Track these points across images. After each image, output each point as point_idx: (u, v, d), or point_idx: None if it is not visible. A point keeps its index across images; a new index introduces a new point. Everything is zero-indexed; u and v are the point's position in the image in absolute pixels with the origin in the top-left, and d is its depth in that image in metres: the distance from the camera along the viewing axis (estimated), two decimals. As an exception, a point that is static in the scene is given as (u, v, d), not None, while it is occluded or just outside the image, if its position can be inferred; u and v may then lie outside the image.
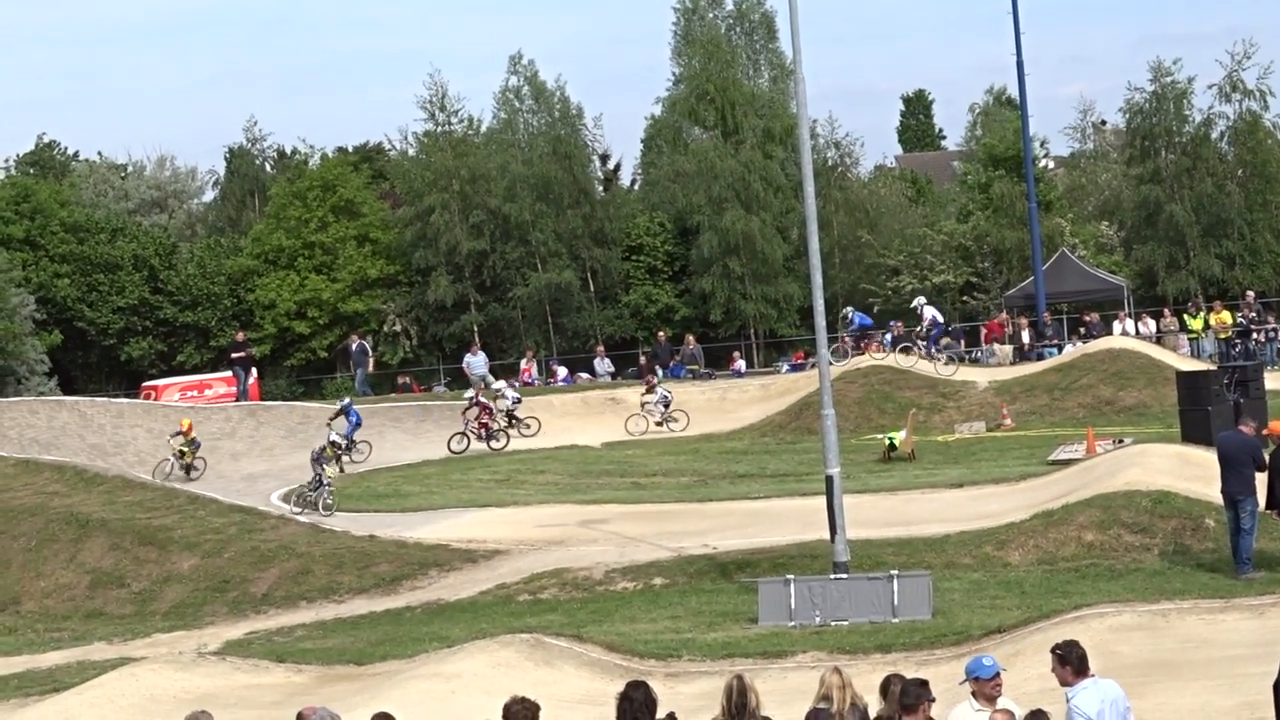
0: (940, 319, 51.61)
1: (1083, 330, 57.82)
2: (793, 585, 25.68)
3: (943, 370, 48.71)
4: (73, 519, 34.90)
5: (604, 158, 77.37)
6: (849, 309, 56.48)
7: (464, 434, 46.71)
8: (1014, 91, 70.85)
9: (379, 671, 23.83)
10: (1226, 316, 56.75)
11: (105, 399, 56.44)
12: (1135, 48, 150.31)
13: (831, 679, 14.67)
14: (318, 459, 37.95)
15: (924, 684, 14.03)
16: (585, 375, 61.97)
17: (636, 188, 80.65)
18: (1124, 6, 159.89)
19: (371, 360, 61.45)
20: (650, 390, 50.29)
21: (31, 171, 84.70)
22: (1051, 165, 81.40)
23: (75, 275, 68.39)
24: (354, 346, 60.26)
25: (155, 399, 57.23)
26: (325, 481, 37.58)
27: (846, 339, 54.85)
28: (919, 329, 50.63)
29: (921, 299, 53.11)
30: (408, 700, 20.19)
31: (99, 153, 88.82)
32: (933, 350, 49.41)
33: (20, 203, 69.97)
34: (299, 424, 49.37)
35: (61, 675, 25.65)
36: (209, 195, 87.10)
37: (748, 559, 29.36)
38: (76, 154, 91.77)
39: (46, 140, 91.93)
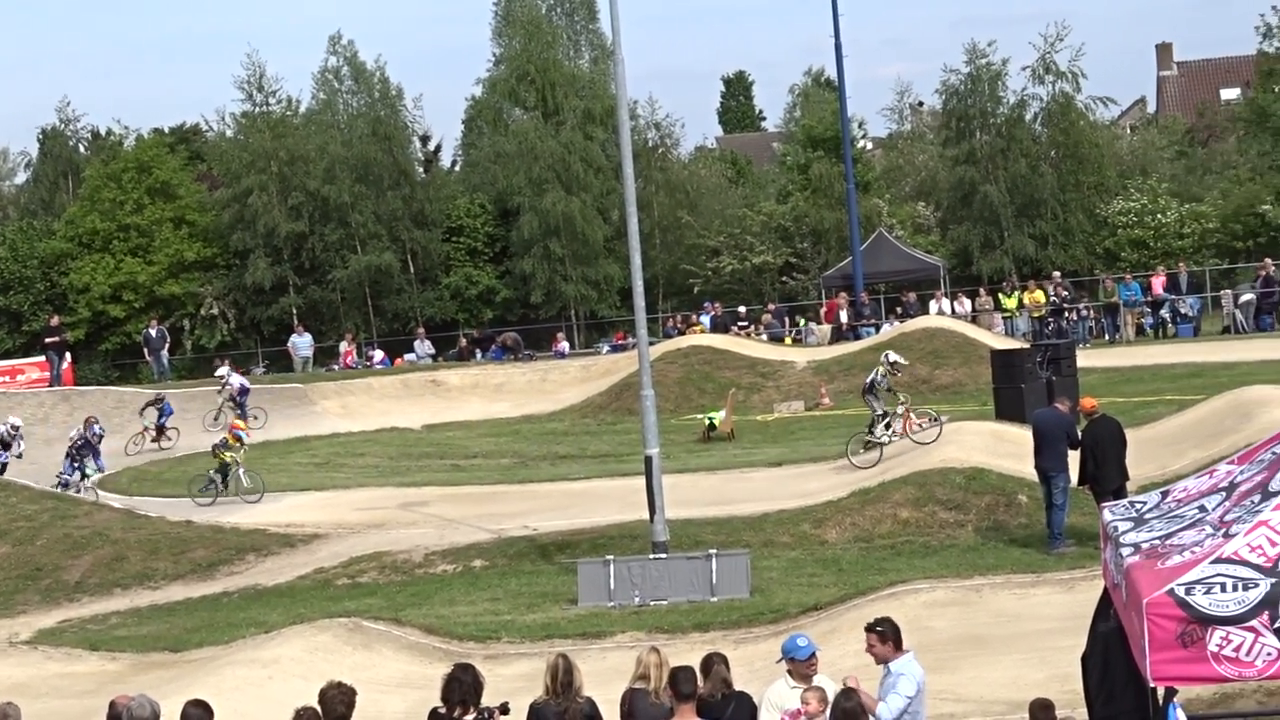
0: (248, 385, 49.64)
1: (900, 310, 58.93)
2: (612, 566, 25.99)
3: None
4: (-119, 506, 34.12)
5: (424, 139, 76.98)
6: None
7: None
8: (833, 73, 71.70)
9: (195, 658, 23.68)
10: (1040, 296, 57.82)
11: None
12: (952, 30, 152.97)
13: (649, 658, 14.67)
14: (78, 454, 37.89)
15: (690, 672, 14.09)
16: (410, 357, 61.96)
17: (457, 169, 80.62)
18: None
19: (168, 344, 60.96)
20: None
21: None
22: (869, 146, 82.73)
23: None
24: (153, 332, 59.73)
25: (-34, 384, 56.02)
26: (88, 471, 37.43)
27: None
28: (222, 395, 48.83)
29: (224, 369, 51.75)
30: (224, 686, 20.19)
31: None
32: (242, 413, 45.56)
33: None
34: (114, 408, 48.52)
35: None
36: (21, 178, 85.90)
37: (567, 540, 29.48)
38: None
39: None
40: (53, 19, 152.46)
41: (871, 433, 35.17)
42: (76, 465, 37.64)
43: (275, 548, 31.68)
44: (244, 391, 47.65)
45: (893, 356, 38.08)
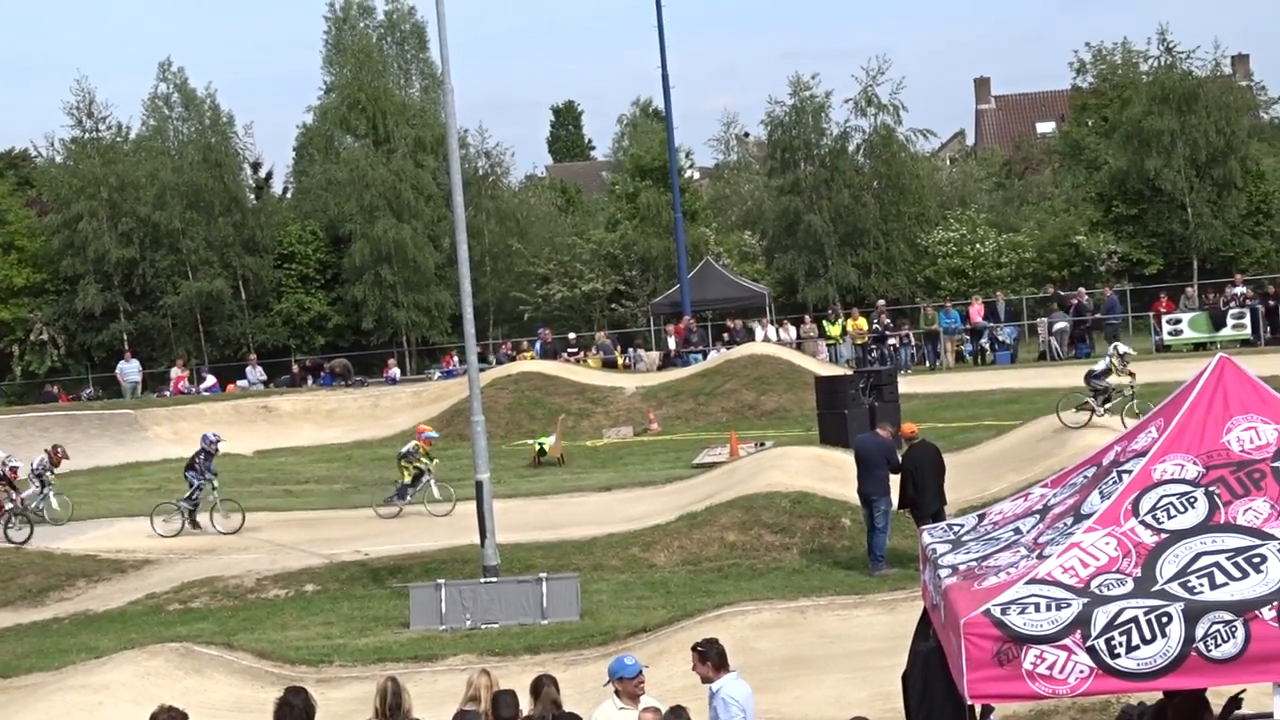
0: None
1: (726, 337, 58.93)
2: (443, 590, 25.93)
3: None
4: None
5: (255, 166, 76.75)
6: None
7: None
8: (660, 104, 71.87)
9: (24, 684, 23.27)
10: (863, 323, 58.25)
11: None
12: (779, 63, 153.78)
13: (479, 680, 14.77)
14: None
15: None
16: (243, 383, 61.31)
17: (288, 196, 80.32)
18: (769, 22, 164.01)
19: None
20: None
21: None
22: (697, 176, 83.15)
23: None
24: None
25: None
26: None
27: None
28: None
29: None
30: (54, 713, 20.08)
31: None
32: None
33: None
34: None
35: None
36: None
37: (399, 564, 29.33)
38: None
39: None
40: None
41: (1095, 399, 35.56)
42: (203, 476, 36.18)
43: (106, 573, 31.02)
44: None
45: (1122, 349, 38.22)
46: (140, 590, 29.32)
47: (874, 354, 55.56)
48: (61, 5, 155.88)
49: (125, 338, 66.98)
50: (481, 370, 38.52)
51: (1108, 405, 36.25)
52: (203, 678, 22.55)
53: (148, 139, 71.75)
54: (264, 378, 62.04)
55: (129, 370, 61.52)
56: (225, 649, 23.97)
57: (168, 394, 59.71)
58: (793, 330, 60.59)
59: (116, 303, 68.16)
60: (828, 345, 58.16)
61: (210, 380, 61.68)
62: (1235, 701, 13.29)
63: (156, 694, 18.21)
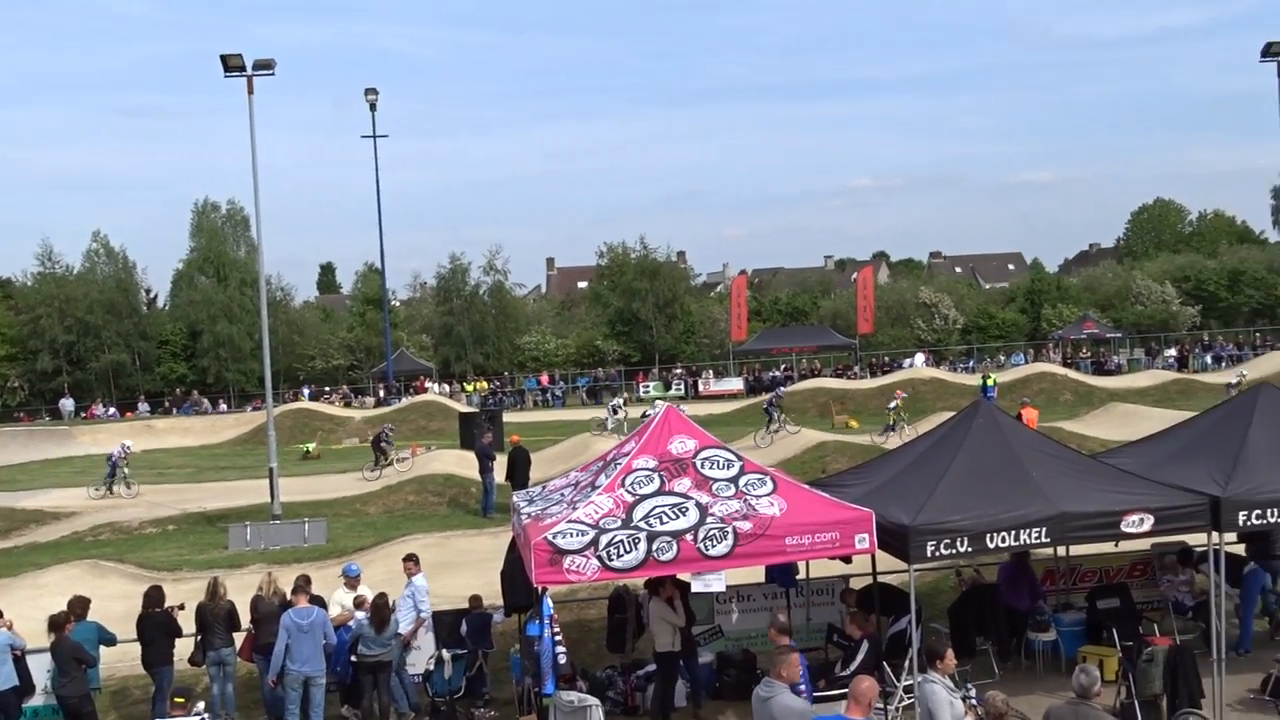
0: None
1: (413, 390, 57.03)
2: (249, 527, 24.15)
3: None
4: None
5: (147, 290, 73.24)
6: None
7: None
8: (379, 264, 67.17)
9: (-5, 584, 20.90)
10: (484, 385, 58.84)
11: None
12: (444, 246, 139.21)
13: (265, 578, 13.91)
14: None
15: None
16: (136, 412, 58.29)
17: (166, 308, 74.79)
18: (432, 225, 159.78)
19: None
20: None
21: None
22: (397, 303, 77.79)
23: None
24: None
25: None
26: None
27: None
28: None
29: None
30: (12, 599, 18.51)
31: None
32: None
33: None
34: None
35: None
36: None
37: (224, 514, 26.80)
38: None
39: None
40: None
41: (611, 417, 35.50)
42: (117, 466, 32.60)
43: (48, 520, 28.74)
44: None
45: (615, 402, 38.77)
46: (69, 530, 26.91)
47: (490, 401, 55.71)
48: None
49: (65, 386, 64.43)
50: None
51: (613, 428, 37.22)
52: (104, 580, 21.02)
53: (84, 273, 68.87)
54: (149, 408, 60.59)
55: (67, 404, 59.70)
56: (118, 562, 22.53)
57: (87, 417, 57.64)
58: (447, 387, 60.52)
59: (60, 366, 66.02)
60: (466, 396, 57.65)
61: (114, 410, 60.04)
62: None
63: (76, 589, 16.78)
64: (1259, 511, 11.45)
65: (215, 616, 13.20)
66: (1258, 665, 12.89)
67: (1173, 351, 59.34)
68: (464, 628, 14.05)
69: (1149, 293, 67.91)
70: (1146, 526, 11.36)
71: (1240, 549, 14.62)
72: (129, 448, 34.29)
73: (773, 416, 36.51)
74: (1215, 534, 11.57)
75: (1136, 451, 13.57)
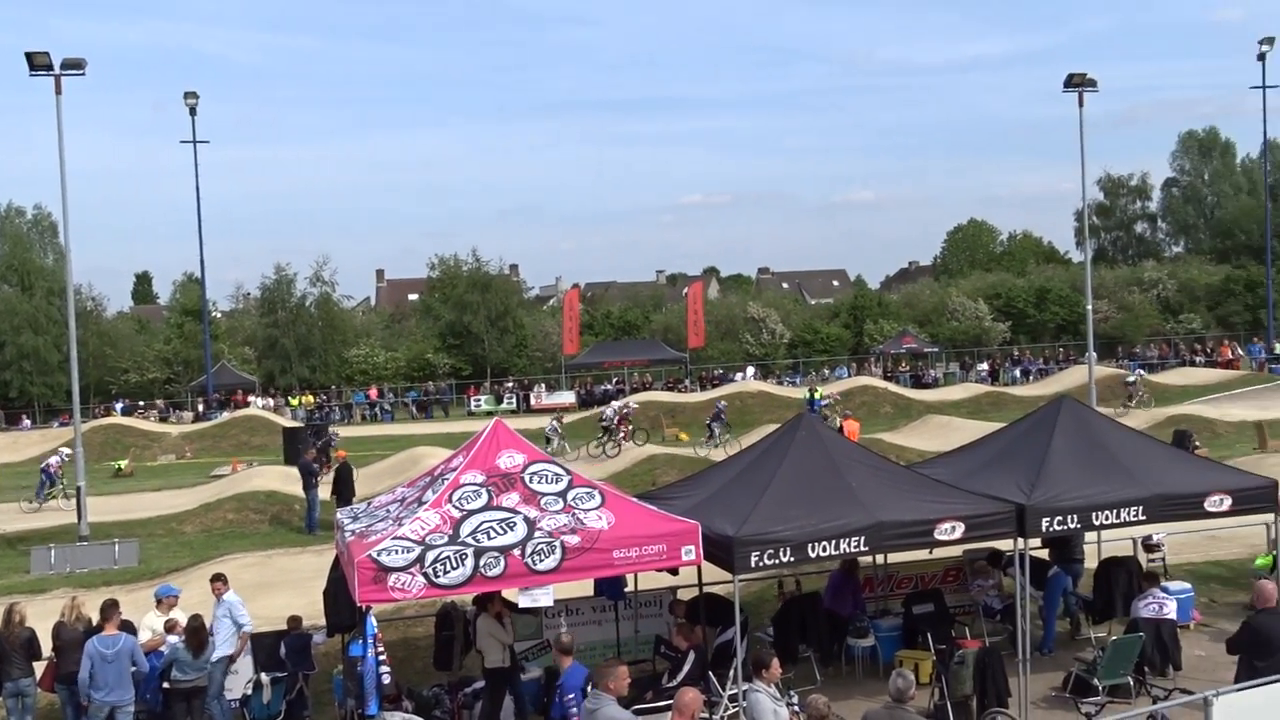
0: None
1: (233, 404, 56.58)
2: (53, 550, 23.61)
3: None
4: None
5: None
6: None
7: None
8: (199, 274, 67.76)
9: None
10: (311, 398, 58.18)
11: None
12: (269, 255, 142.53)
13: (69, 603, 13.50)
14: None
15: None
16: None
17: None
18: (262, 235, 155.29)
19: None
20: None
21: None
22: (218, 315, 76.38)
23: None
24: None
25: None
26: None
27: None
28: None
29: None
30: None
31: None
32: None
33: None
34: None
35: None
36: None
37: (24, 536, 25.99)
38: None
39: None
40: None
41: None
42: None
43: None
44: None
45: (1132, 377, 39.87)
46: None
47: (317, 416, 55.17)
48: None
49: None
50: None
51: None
52: None
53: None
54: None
55: None
56: None
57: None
58: (271, 401, 59.69)
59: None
60: (291, 410, 57.13)
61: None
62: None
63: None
64: (1060, 518, 11.99)
65: (12, 645, 12.81)
66: (1060, 665, 13.46)
67: (985, 366, 62.19)
68: (283, 649, 13.94)
69: (963, 309, 70.82)
70: (958, 534, 11.76)
71: (1044, 554, 15.20)
72: (66, 456, 32.30)
73: (713, 431, 36.94)
74: (1021, 540, 12.05)
75: (950, 462, 14.13)
